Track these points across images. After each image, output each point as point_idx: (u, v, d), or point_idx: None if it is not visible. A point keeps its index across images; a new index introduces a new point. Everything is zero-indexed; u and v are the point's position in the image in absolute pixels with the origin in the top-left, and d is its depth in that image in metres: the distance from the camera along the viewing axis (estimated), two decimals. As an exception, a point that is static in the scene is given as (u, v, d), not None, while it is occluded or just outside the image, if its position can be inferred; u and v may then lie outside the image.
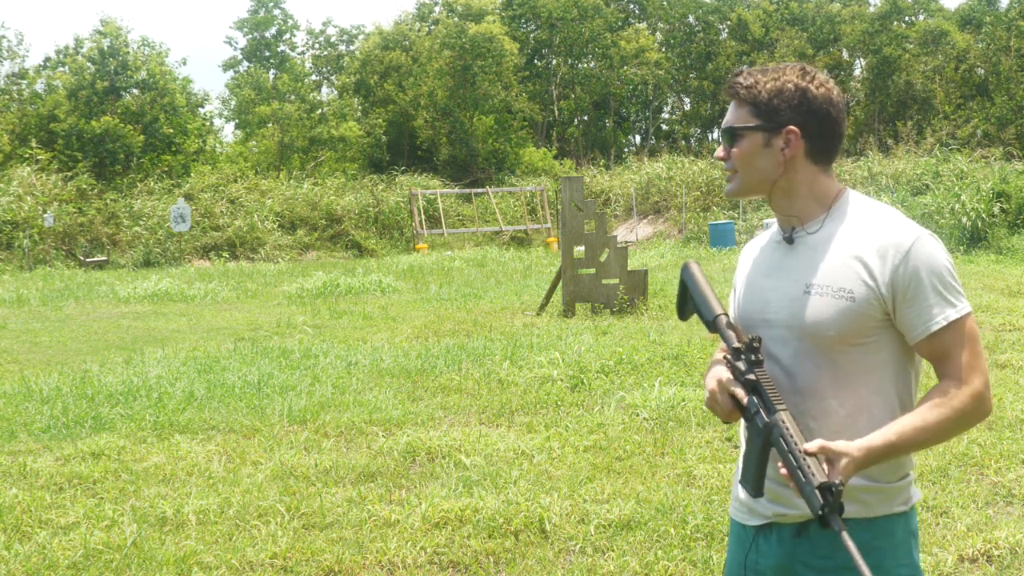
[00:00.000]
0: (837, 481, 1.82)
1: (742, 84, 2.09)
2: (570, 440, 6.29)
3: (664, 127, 54.23)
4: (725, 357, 2.05)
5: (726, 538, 4.51)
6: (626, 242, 25.92)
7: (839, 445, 1.88)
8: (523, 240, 32.00)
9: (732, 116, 2.11)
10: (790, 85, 2.05)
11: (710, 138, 53.24)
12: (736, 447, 6.06)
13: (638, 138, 54.29)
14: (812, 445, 1.87)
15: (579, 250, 13.09)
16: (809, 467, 1.84)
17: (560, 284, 13.01)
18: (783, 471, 1.88)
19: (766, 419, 1.94)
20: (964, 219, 21.59)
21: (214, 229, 29.63)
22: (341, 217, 31.75)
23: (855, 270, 1.99)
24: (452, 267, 22.06)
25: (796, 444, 1.87)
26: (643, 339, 9.88)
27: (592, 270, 12.90)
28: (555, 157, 43.92)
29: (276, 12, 46.84)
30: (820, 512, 1.81)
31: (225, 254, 28.53)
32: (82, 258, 27.18)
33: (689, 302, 2.23)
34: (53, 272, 24.21)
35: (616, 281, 12.85)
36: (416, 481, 5.57)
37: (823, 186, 2.09)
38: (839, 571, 2.00)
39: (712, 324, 2.12)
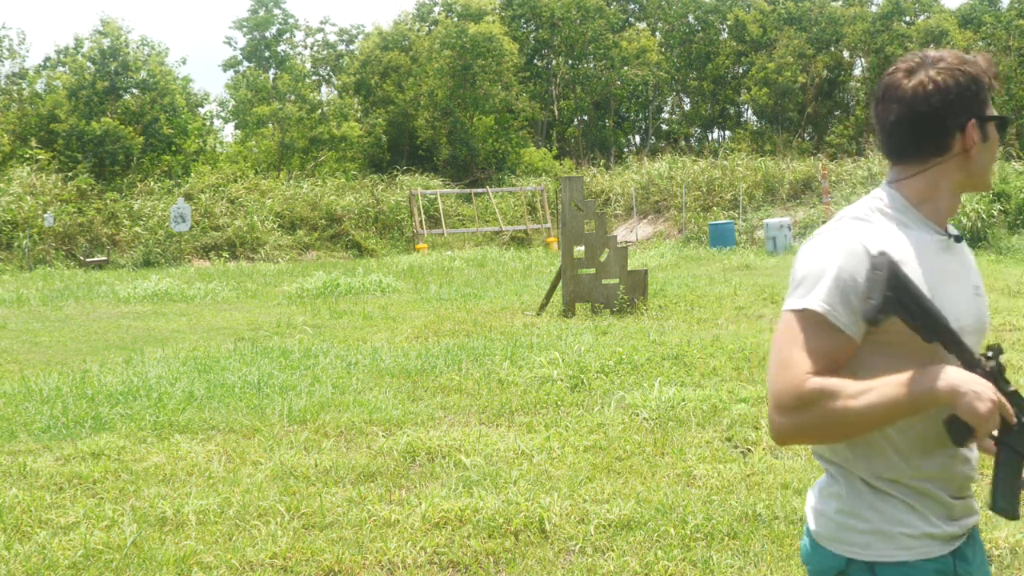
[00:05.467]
0: None
1: None
2: (570, 440, 6.29)
3: (664, 127, 54.23)
4: (982, 369, 1.82)
5: (725, 538, 4.51)
6: (626, 242, 25.92)
7: None
8: (523, 240, 32.00)
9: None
10: None
11: (710, 138, 53.27)
12: (736, 448, 6.06)
13: (638, 138, 54.31)
14: None
15: (579, 250, 13.09)
16: None
17: (560, 284, 13.01)
18: None
19: None
20: (964, 219, 21.61)
21: (214, 229, 29.64)
22: (341, 217, 31.76)
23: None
24: (452, 267, 22.07)
25: None
26: (643, 339, 9.88)
27: (592, 270, 12.90)
28: (555, 157, 43.93)
29: (276, 12, 46.81)
30: None
31: (225, 254, 28.53)
32: (82, 258, 27.19)
33: (898, 302, 1.78)
34: (53, 272, 24.21)
35: (616, 281, 12.85)
36: (416, 481, 5.57)
37: None
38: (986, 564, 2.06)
39: (951, 334, 1.80)
